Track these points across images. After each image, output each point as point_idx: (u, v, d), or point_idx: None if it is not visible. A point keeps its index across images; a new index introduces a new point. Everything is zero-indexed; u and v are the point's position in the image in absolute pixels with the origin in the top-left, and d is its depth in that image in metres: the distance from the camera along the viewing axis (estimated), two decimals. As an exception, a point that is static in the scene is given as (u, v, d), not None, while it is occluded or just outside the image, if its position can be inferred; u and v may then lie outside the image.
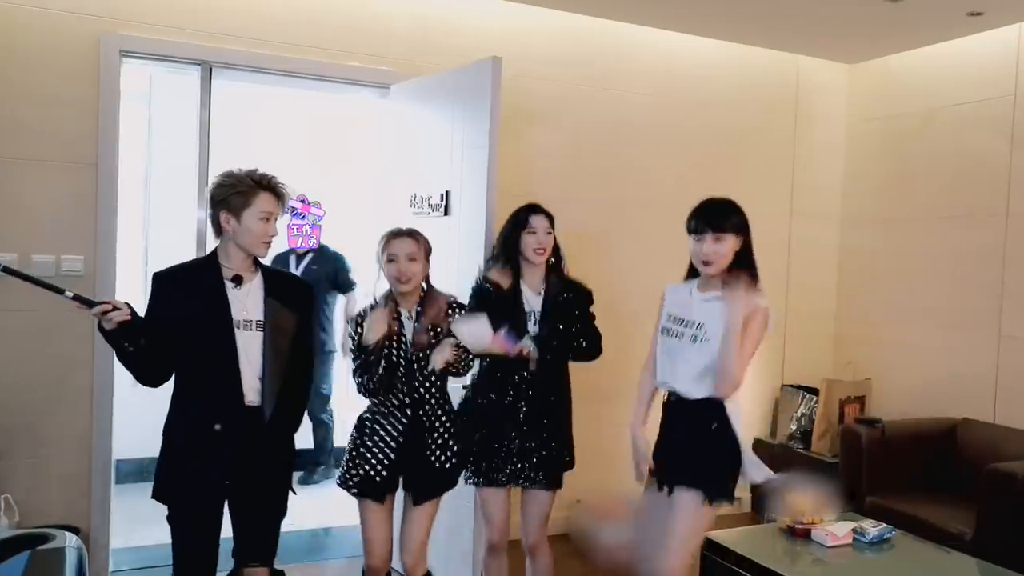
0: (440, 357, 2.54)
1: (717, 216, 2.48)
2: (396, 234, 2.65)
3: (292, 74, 3.65)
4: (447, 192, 3.33)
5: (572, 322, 2.84)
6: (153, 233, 4.83)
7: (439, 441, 2.64)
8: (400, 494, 2.70)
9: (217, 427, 2.20)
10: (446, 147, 3.37)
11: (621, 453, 2.89)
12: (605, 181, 4.27)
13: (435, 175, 3.42)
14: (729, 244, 2.47)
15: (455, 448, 2.67)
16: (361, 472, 2.61)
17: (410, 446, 2.60)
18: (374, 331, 2.55)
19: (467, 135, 3.24)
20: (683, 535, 2.47)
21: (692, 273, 2.60)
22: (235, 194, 2.25)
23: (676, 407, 2.55)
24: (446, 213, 3.32)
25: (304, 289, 2.45)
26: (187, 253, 3.48)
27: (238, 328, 2.22)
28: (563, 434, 2.87)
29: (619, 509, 2.77)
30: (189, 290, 2.25)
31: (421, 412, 2.61)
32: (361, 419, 2.69)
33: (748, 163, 4.61)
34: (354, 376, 2.62)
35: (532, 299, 2.87)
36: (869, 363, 4.62)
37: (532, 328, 2.83)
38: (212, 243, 3.30)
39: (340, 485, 2.70)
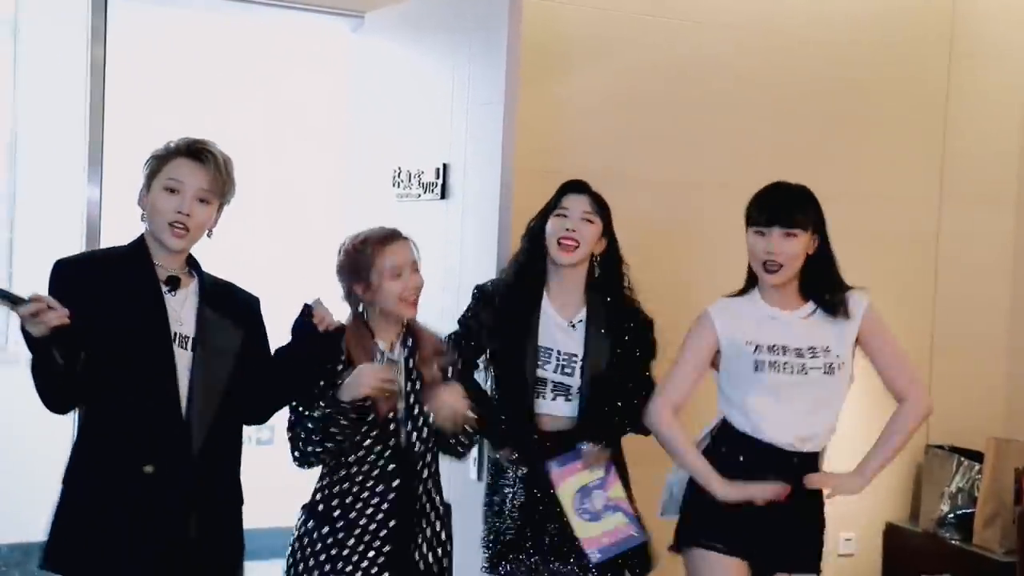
0: (449, 407, 2.50)
1: (788, 205, 2.67)
2: (390, 237, 2.59)
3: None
4: (445, 166, 3.39)
5: (627, 376, 2.82)
6: (21, 214, 4.84)
7: (428, 534, 2.63)
8: None
9: (148, 469, 2.30)
10: (444, 102, 3.42)
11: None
12: (671, 153, 4.24)
13: (428, 143, 3.49)
14: (801, 243, 2.67)
15: (449, 547, 2.68)
16: None
17: (398, 536, 2.57)
18: (365, 382, 2.43)
19: (473, 85, 3.29)
20: None
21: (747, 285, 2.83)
22: (150, 159, 2.40)
23: (767, 463, 2.67)
24: (443, 195, 3.39)
25: (250, 301, 2.57)
26: (70, 242, 3.46)
27: (174, 344, 2.38)
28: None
29: None
30: (110, 288, 2.33)
31: (419, 489, 2.59)
32: (315, 505, 2.61)
33: (879, 126, 4.58)
34: (299, 442, 2.52)
35: (557, 330, 2.79)
36: (1059, 416, 4.61)
37: (551, 374, 2.76)
38: (110, 230, 3.47)
39: None
